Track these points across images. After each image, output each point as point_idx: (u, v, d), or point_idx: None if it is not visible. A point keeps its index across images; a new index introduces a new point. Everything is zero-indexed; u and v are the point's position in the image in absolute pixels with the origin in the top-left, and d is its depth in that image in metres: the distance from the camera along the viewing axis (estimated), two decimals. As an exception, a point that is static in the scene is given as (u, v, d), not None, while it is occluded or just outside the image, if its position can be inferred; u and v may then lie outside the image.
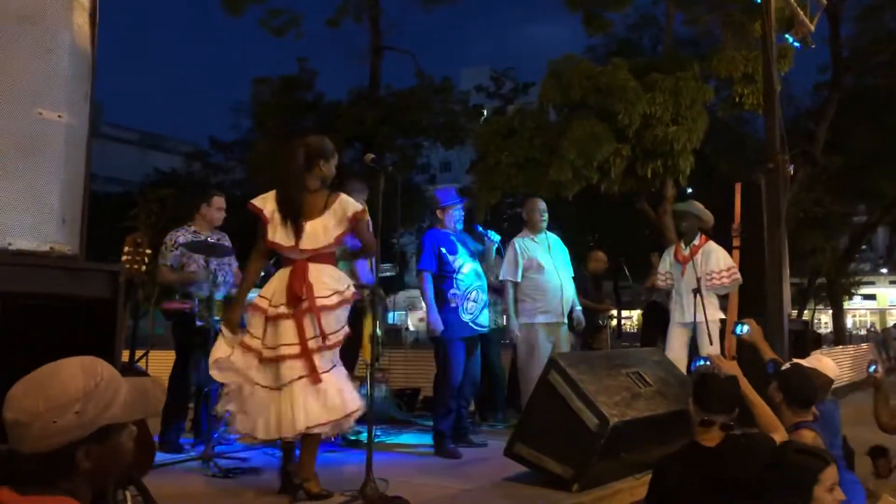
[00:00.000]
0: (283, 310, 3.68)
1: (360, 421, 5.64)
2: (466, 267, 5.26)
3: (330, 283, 3.74)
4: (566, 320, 5.99)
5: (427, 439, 5.34)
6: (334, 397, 3.62)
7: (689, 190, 16.32)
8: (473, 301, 5.23)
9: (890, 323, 43.56)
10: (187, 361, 5.15)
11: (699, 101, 14.13)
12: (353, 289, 3.84)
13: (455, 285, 5.18)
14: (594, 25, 17.51)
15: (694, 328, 5.96)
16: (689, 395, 3.07)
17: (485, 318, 5.33)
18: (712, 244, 6.26)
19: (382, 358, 6.80)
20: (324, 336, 3.64)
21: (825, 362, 3.93)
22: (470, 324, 5.20)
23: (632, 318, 41.60)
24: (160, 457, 4.52)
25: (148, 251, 3.99)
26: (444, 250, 5.21)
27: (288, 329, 3.65)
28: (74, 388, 1.35)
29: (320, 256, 3.77)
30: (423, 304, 5.24)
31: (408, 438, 5.75)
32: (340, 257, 4.33)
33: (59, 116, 2.34)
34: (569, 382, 4.09)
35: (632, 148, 13.95)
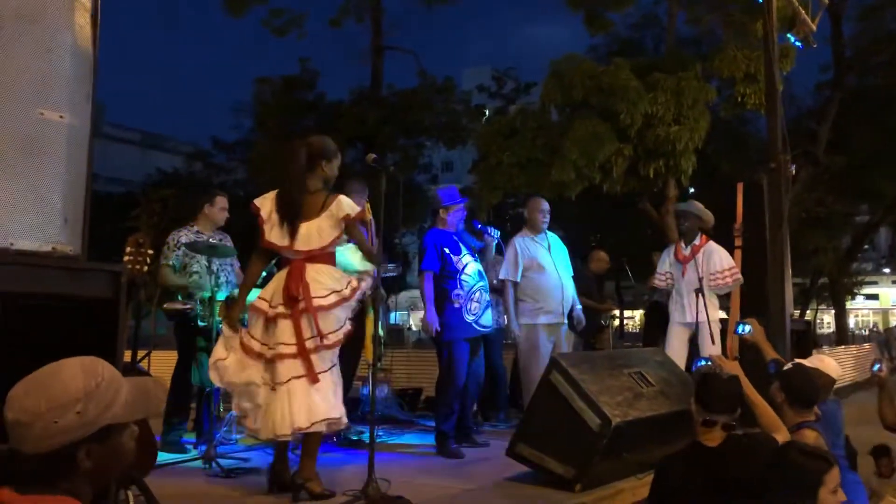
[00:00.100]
0: (281, 310, 3.70)
1: (362, 421, 5.70)
2: (470, 267, 5.26)
3: (327, 282, 3.74)
4: (566, 320, 5.99)
5: (429, 439, 5.34)
6: (328, 399, 3.62)
7: (692, 190, 16.31)
8: (477, 301, 5.23)
9: (893, 323, 43.54)
10: (189, 362, 5.16)
11: (701, 100, 14.13)
12: (354, 287, 3.82)
13: (459, 286, 5.17)
14: (595, 25, 17.51)
15: (696, 328, 5.96)
16: (691, 395, 3.07)
17: (488, 319, 5.33)
18: (713, 244, 6.26)
19: (384, 358, 6.80)
20: (321, 336, 3.64)
21: (827, 362, 3.93)
22: (473, 324, 5.19)
23: (634, 318, 41.66)
24: (162, 457, 4.53)
25: (150, 251, 4.00)
26: (447, 250, 5.20)
27: (285, 329, 3.66)
28: (75, 388, 1.35)
29: (318, 256, 3.77)
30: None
31: (410, 438, 5.75)
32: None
33: (61, 117, 2.34)
34: (571, 382, 4.08)
35: (634, 148, 13.95)
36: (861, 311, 50.63)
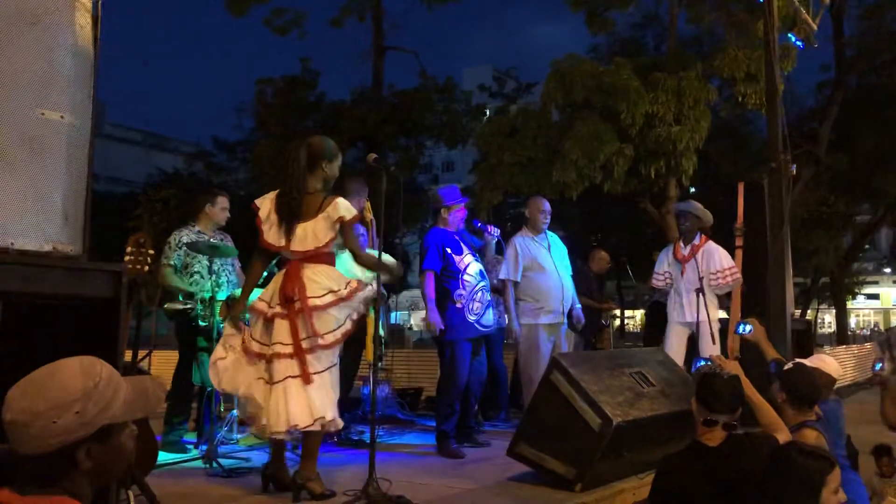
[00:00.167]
0: (278, 310, 3.72)
1: (362, 421, 5.70)
2: (472, 267, 5.25)
3: (324, 282, 3.73)
4: (565, 319, 6.00)
5: (430, 439, 5.34)
6: (324, 399, 3.63)
7: (692, 189, 16.32)
8: (479, 301, 5.22)
9: (893, 322, 43.51)
10: (190, 362, 5.16)
11: (702, 100, 14.15)
12: (353, 288, 3.81)
13: (461, 285, 5.17)
14: (596, 25, 17.50)
15: (697, 327, 5.96)
16: (691, 395, 3.07)
17: (489, 318, 5.33)
18: (712, 244, 6.27)
19: (385, 358, 6.81)
20: (317, 336, 3.64)
21: (828, 361, 3.93)
22: (475, 324, 5.19)
23: (635, 317, 41.71)
24: (163, 456, 4.54)
25: (151, 251, 4.00)
26: (449, 250, 5.19)
27: (282, 328, 3.68)
28: (74, 388, 1.35)
29: (315, 257, 3.77)
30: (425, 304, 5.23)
31: (410, 438, 5.75)
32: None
33: (62, 117, 2.35)
34: (571, 382, 4.08)
35: (635, 148, 13.96)
36: (862, 310, 50.65)
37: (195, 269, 5.21)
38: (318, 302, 3.68)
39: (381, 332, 5.76)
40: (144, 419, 3.47)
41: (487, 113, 23.02)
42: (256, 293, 3.98)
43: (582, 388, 4.04)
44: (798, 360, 3.90)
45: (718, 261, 6.15)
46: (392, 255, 4.97)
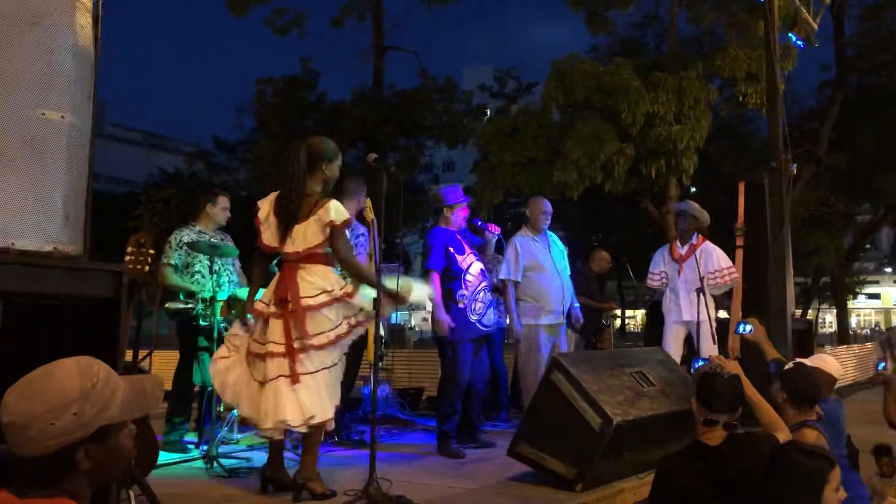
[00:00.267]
0: (273, 310, 3.74)
1: (363, 421, 5.70)
2: (474, 267, 5.25)
3: (318, 282, 3.74)
4: (565, 319, 6.00)
5: (430, 439, 5.34)
6: (314, 401, 3.62)
7: (693, 189, 16.31)
8: (481, 302, 5.22)
9: (894, 322, 43.49)
10: (191, 361, 5.16)
11: (703, 100, 14.15)
12: (348, 291, 3.80)
13: (464, 285, 5.16)
14: (596, 25, 17.51)
15: (698, 327, 5.96)
16: (692, 395, 3.07)
17: (490, 318, 5.33)
18: (709, 244, 6.28)
19: (386, 358, 6.81)
20: (308, 336, 3.65)
21: (829, 361, 3.93)
22: (477, 324, 5.19)
23: (635, 317, 41.69)
24: (163, 456, 4.54)
25: (151, 251, 4.01)
26: (451, 250, 5.19)
27: (276, 328, 3.70)
28: (71, 389, 1.34)
29: (310, 258, 3.78)
30: (429, 304, 5.21)
31: (411, 438, 5.75)
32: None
33: (62, 117, 2.35)
34: (572, 382, 4.08)
35: (635, 147, 13.96)
36: (863, 310, 50.64)
37: (196, 269, 5.21)
38: (311, 302, 3.69)
39: (382, 332, 5.76)
40: (145, 419, 3.47)
41: (488, 113, 23.03)
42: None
43: (582, 387, 4.04)
44: (798, 359, 3.90)
45: (716, 260, 6.17)
46: (392, 254, 4.97)
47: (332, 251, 3.81)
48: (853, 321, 40.52)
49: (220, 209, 5.43)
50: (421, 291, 4.28)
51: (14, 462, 1.33)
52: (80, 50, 2.44)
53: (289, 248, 3.78)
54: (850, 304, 33.80)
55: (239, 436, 5.31)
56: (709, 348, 5.82)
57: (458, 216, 5.35)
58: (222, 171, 26.41)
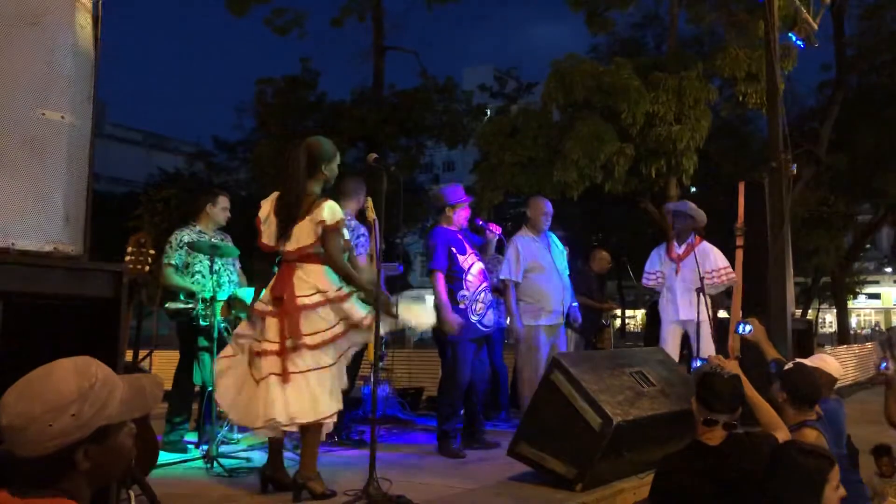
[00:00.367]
0: (269, 308, 3.77)
1: (363, 421, 5.70)
2: (475, 267, 5.25)
3: (313, 282, 3.75)
4: (564, 320, 6.01)
5: (430, 439, 5.34)
6: (303, 400, 3.63)
7: (693, 189, 16.31)
8: (482, 302, 5.22)
9: (894, 322, 43.49)
10: (191, 361, 5.16)
11: (703, 100, 14.16)
12: (344, 294, 3.80)
13: (465, 286, 5.16)
14: (596, 25, 17.50)
15: (698, 327, 5.96)
16: (692, 395, 3.07)
17: (490, 319, 5.33)
18: (706, 244, 6.29)
19: (386, 357, 6.81)
20: (302, 335, 3.66)
21: (829, 361, 3.93)
22: (477, 324, 5.19)
23: (635, 317, 41.69)
24: (164, 456, 4.54)
25: (151, 251, 4.01)
26: (454, 250, 5.18)
27: (272, 326, 3.73)
28: (69, 390, 1.33)
29: (307, 257, 3.79)
30: (434, 304, 5.19)
31: (411, 438, 5.76)
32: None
33: (62, 117, 2.35)
34: (572, 382, 4.08)
35: (635, 147, 13.96)
36: (863, 310, 50.63)
37: (196, 269, 5.22)
38: (305, 301, 3.70)
39: (382, 332, 5.76)
40: (145, 418, 3.47)
41: (488, 113, 23.03)
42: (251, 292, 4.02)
43: (582, 387, 4.04)
44: (798, 359, 3.90)
45: (713, 260, 6.19)
46: (392, 254, 4.96)
47: (324, 250, 3.80)
48: (853, 321, 40.50)
49: (220, 209, 5.43)
50: (425, 316, 4.27)
51: (14, 462, 1.33)
52: (80, 50, 2.44)
53: (286, 247, 3.80)
54: (850, 304, 33.79)
55: (239, 436, 5.31)
56: (708, 348, 5.82)
57: (459, 216, 5.34)
58: (222, 171, 26.42)
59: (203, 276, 5.17)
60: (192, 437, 5.32)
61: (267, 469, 3.91)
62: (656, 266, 6.50)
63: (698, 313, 5.90)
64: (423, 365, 8.81)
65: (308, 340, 3.66)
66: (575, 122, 14.13)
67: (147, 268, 3.99)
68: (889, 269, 46.49)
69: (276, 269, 4.13)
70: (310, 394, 3.64)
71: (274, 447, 3.92)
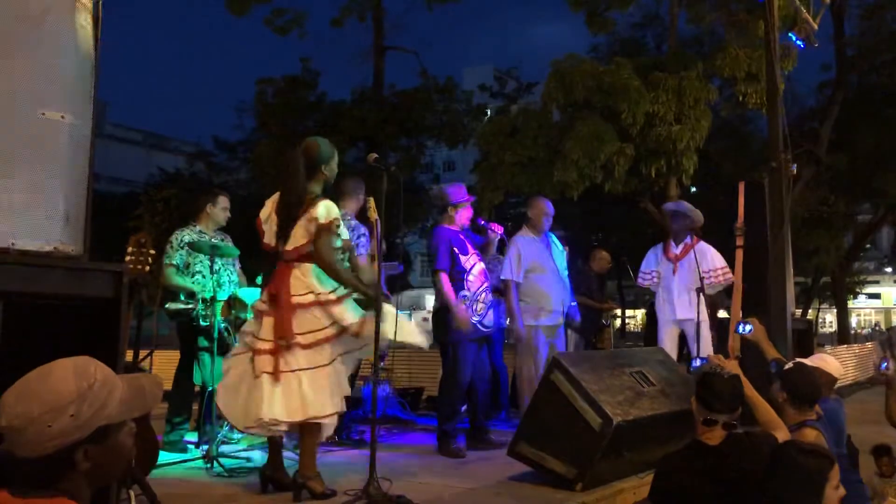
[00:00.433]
0: (265, 307, 3.80)
1: (363, 421, 5.70)
2: (476, 268, 5.25)
3: (308, 282, 3.76)
4: (563, 320, 6.02)
5: (430, 439, 5.34)
6: (291, 400, 3.63)
7: (693, 189, 16.31)
8: (483, 303, 5.22)
9: (894, 322, 43.47)
10: (191, 361, 5.17)
11: (703, 100, 14.15)
12: (339, 295, 3.80)
13: (466, 286, 5.16)
14: (596, 25, 17.50)
15: (697, 326, 5.96)
16: (691, 395, 3.07)
17: (490, 319, 5.32)
18: (703, 244, 6.29)
19: (386, 357, 6.81)
20: (294, 335, 3.66)
21: (829, 361, 3.93)
22: (478, 325, 5.19)
23: (635, 317, 41.70)
24: (164, 456, 4.54)
25: (152, 251, 4.01)
26: (456, 250, 5.18)
27: (267, 325, 3.75)
28: (68, 390, 1.33)
29: (304, 257, 3.80)
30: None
31: (411, 438, 5.76)
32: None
33: (62, 117, 2.35)
34: (572, 382, 4.09)
35: (635, 147, 13.96)
36: (863, 310, 50.59)
37: (196, 269, 5.22)
38: (299, 300, 3.72)
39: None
40: (145, 418, 3.47)
41: (488, 113, 23.02)
42: (256, 293, 4.02)
43: (582, 387, 4.04)
44: (798, 359, 3.90)
45: (711, 260, 6.20)
46: (393, 254, 4.96)
47: (314, 248, 3.80)
48: (853, 321, 40.49)
49: (221, 209, 5.43)
50: (416, 334, 4.24)
51: (14, 462, 1.33)
52: (80, 50, 2.44)
53: (285, 247, 3.82)
54: (851, 303, 33.79)
55: (239, 436, 5.30)
56: (707, 348, 5.83)
57: (462, 215, 5.34)
58: (223, 171, 26.41)
59: (203, 276, 5.17)
60: (192, 437, 5.32)
61: (267, 469, 3.91)
62: (652, 266, 6.51)
63: (698, 313, 5.91)
64: (423, 365, 8.80)
65: (301, 340, 3.66)
66: (575, 122, 14.13)
67: (147, 268, 3.99)
68: (889, 269, 46.48)
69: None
70: (299, 393, 3.64)
71: (273, 447, 3.92)
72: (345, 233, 4.04)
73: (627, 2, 17.09)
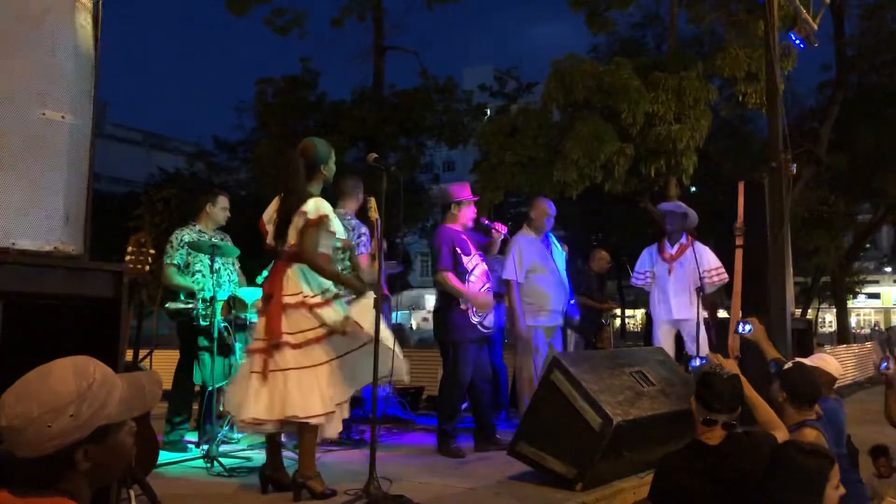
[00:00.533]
0: (261, 306, 3.85)
1: (363, 420, 5.70)
2: (478, 268, 5.25)
3: (299, 282, 3.77)
4: (562, 320, 6.02)
5: (430, 439, 5.34)
6: (276, 398, 3.64)
7: (693, 189, 16.30)
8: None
9: (894, 322, 43.46)
10: (191, 361, 5.17)
11: (703, 100, 14.14)
12: (328, 297, 3.80)
13: (467, 287, 5.16)
14: (596, 25, 17.49)
15: (698, 326, 5.97)
16: (691, 394, 3.07)
17: (491, 320, 5.32)
18: (699, 244, 6.30)
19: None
20: (282, 334, 3.67)
21: (829, 361, 3.93)
22: (479, 326, 5.18)
23: (635, 317, 41.68)
24: (164, 456, 4.54)
25: (152, 251, 4.02)
26: (458, 250, 5.18)
27: (260, 324, 3.81)
28: (67, 390, 1.33)
29: (297, 256, 3.81)
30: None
31: (411, 438, 5.76)
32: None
33: (63, 117, 2.35)
34: (572, 382, 4.09)
35: (635, 147, 13.95)
36: (863, 310, 50.56)
37: (196, 269, 5.22)
38: (289, 300, 3.73)
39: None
40: (145, 418, 3.47)
41: (488, 112, 23.02)
42: (256, 293, 4.04)
43: (582, 387, 4.04)
44: (798, 359, 3.90)
45: (707, 261, 6.21)
46: (393, 254, 4.96)
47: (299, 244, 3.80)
48: (853, 321, 40.48)
49: (220, 209, 5.44)
50: (404, 373, 4.24)
51: (14, 462, 1.33)
52: (80, 50, 2.44)
53: (279, 246, 3.85)
54: (850, 303, 33.77)
55: (239, 435, 5.31)
56: (704, 348, 5.83)
57: (465, 213, 5.33)
58: (223, 171, 26.42)
59: (203, 276, 5.18)
60: (192, 436, 5.32)
61: (267, 469, 3.92)
62: (646, 266, 6.52)
63: (698, 313, 5.91)
64: (423, 365, 8.79)
65: (291, 339, 3.67)
66: (575, 121, 14.13)
67: (147, 267, 4.00)
68: (889, 269, 46.46)
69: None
70: (282, 392, 3.64)
71: (273, 447, 3.92)
72: (340, 231, 4.03)
73: (627, 2, 17.08)
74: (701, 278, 5.96)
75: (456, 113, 21.50)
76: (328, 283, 3.84)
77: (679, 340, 6.33)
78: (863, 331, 42.18)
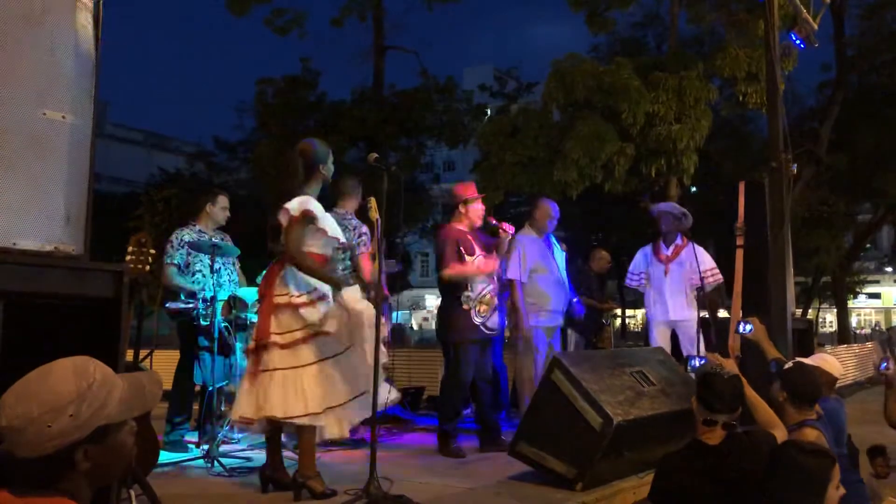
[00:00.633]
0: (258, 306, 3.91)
1: (363, 420, 5.70)
2: None
3: (290, 282, 3.77)
4: (562, 321, 6.02)
5: (431, 439, 5.34)
6: (259, 397, 3.65)
7: (693, 189, 16.30)
8: (486, 304, 5.21)
9: (895, 322, 43.45)
10: (191, 361, 5.17)
11: (703, 99, 14.15)
12: (316, 297, 3.80)
13: (469, 287, 5.15)
14: (596, 24, 17.49)
15: (698, 326, 5.97)
16: (692, 394, 3.07)
17: (494, 321, 5.31)
18: (694, 244, 6.30)
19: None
20: (270, 334, 3.69)
21: (829, 361, 3.93)
22: (481, 326, 5.18)
23: (636, 316, 41.66)
24: (164, 456, 4.54)
25: (152, 251, 4.02)
26: (462, 249, 5.17)
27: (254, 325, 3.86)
28: (67, 390, 1.34)
29: (286, 256, 3.81)
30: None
31: (411, 438, 5.76)
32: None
33: (63, 117, 2.35)
34: (572, 381, 4.09)
35: (636, 147, 13.96)
36: (863, 309, 50.54)
37: (197, 268, 5.23)
38: (279, 301, 3.75)
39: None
40: (146, 418, 3.47)
41: (488, 112, 23.01)
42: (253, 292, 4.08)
43: (583, 387, 4.04)
44: (798, 358, 3.90)
45: (703, 261, 6.21)
46: (393, 254, 4.96)
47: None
48: (853, 321, 40.48)
49: (220, 208, 5.44)
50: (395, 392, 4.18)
51: (14, 462, 1.33)
52: (80, 50, 2.44)
53: (278, 248, 3.88)
54: (851, 303, 33.78)
55: (239, 435, 5.31)
56: (701, 348, 5.84)
57: (474, 211, 5.32)
58: (223, 171, 26.41)
59: (204, 276, 5.18)
60: (192, 436, 5.32)
61: (267, 469, 3.92)
62: (641, 267, 6.52)
63: (698, 313, 5.91)
64: (424, 365, 8.80)
65: (279, 339, 3.69)
66: (575, 121, 14.13)
67: (148, 267, 4.00)
68: (889, 269, 46.45)
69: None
70: (265, 392, 3.64)
71: (273, 447, 3.92)
72: (335, 231, 4.00)
73: (627, 2, 17.08)
74: (701, 278, 5.96)
75: (456, 113, 21.49)
76: (317, 283, 3.82)
77: (674, 340, 6.33)
78: (863, 331, 42.13)
